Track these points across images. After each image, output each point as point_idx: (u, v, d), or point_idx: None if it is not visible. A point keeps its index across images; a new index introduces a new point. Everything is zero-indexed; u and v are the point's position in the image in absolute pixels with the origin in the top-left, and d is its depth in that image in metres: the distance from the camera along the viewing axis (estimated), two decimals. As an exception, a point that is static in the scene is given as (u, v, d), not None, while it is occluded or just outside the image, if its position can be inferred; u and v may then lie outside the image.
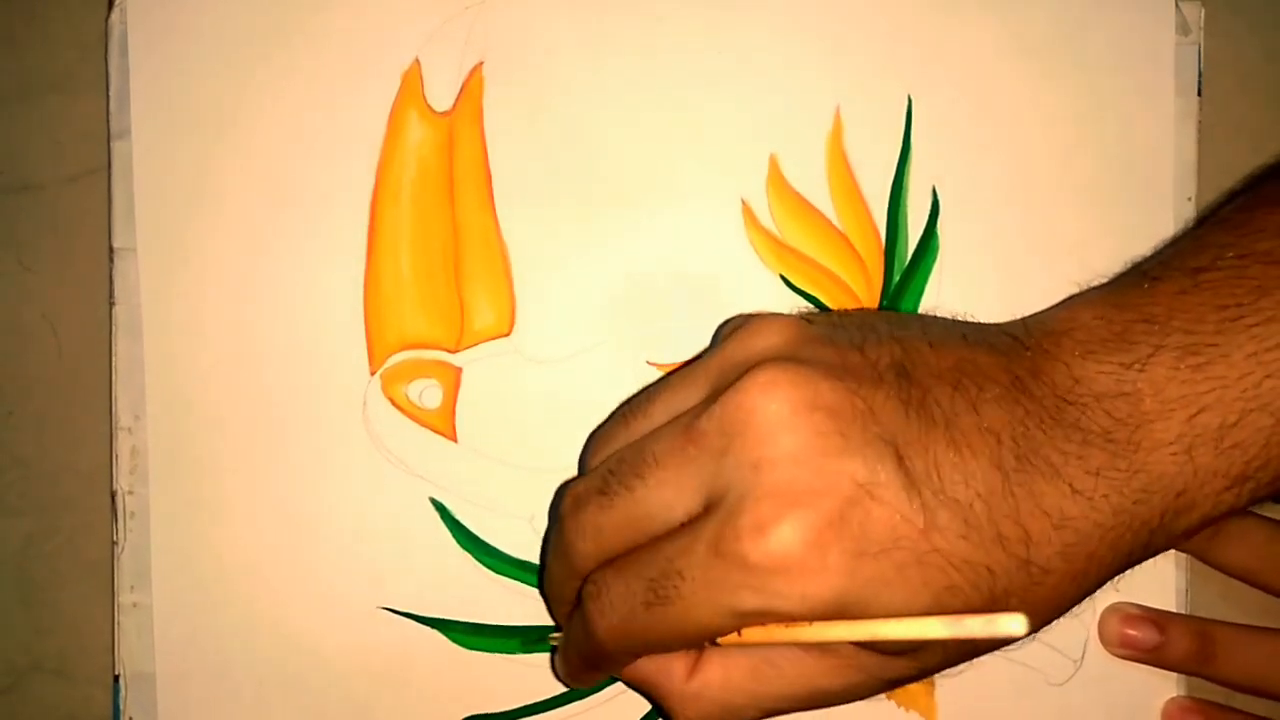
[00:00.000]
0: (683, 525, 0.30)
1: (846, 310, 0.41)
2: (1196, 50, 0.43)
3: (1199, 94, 0.43)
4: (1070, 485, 0.30)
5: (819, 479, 0.29)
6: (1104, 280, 0.36)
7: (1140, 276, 0.33)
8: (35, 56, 0.42)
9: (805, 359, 0.30)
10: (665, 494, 0.30)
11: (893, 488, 0.29)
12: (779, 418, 0.29)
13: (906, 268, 0.42)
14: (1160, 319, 0.31)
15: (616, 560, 0.31)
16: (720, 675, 0.32)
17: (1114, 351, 0.31)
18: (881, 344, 0.31)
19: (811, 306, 0.42)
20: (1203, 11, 0.43)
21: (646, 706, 0.41)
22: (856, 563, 0.28)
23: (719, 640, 0.31)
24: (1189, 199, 0.42)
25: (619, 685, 0.40)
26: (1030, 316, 0.34)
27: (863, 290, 0.42)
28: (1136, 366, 0.30)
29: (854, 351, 0.31)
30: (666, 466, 0.31)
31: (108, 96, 0.41)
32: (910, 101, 0.42)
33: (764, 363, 0.30)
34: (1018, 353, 0.32)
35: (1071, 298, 0.34)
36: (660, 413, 0.33)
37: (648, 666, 0.33)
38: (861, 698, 0.32)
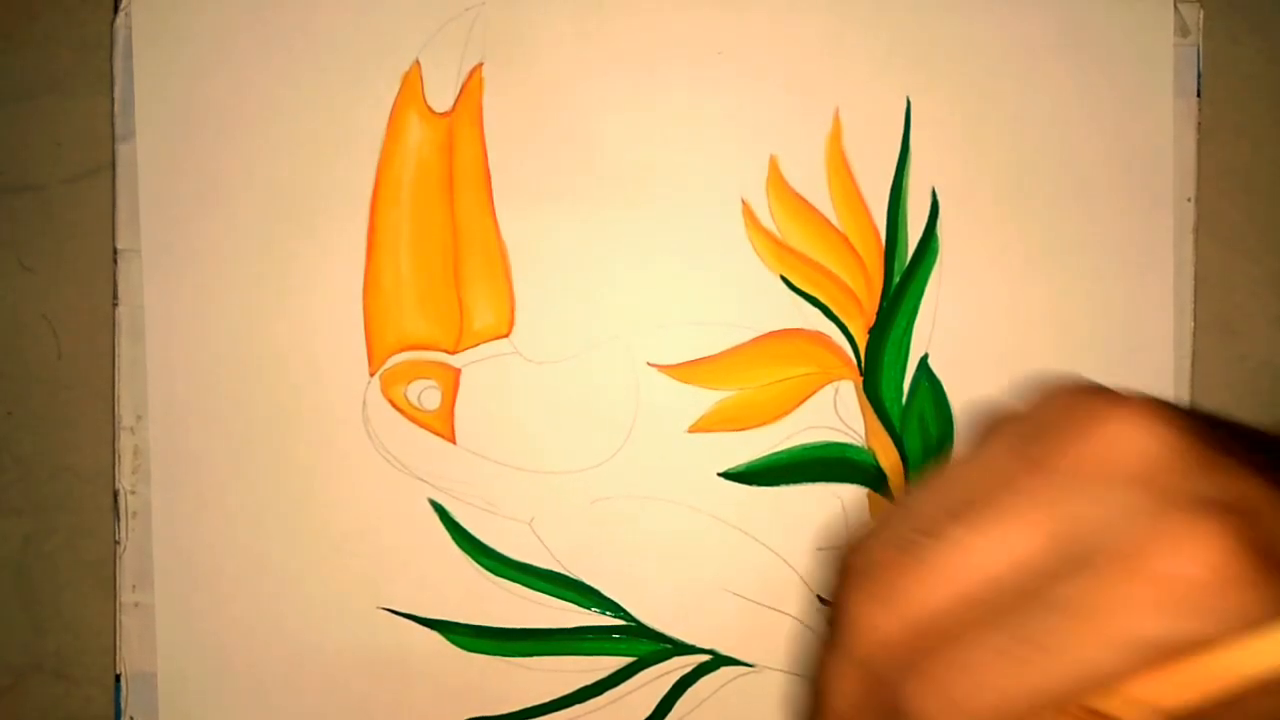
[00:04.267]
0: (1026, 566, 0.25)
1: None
2: (1195, 51, 0.43)
3: (1198, 95, 0.43)
4: None
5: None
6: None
7: None
8: (35, 56, 0.42)
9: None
10: (1006, 537, 0.25)
11: None
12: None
13: (906, 268, 0.42)
14: None
15: (940, 629, 0.27)
16: None
17: None
18: None
19: (814, 308, 0.42)
20: (1201, 13, 0.42)
21: (647, 711, 0.41)
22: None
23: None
24: (1189, 200, 0.42)
25: (617, 689, 0.40)
26: None
27: (863, 291, 0.42)
28: None
29: None
30: (1004, 506, 0.25)
31: (112, 99, 0.41)
32: (909, 103, 0.42)
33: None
34: None
35: None
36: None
37: None
38: None
